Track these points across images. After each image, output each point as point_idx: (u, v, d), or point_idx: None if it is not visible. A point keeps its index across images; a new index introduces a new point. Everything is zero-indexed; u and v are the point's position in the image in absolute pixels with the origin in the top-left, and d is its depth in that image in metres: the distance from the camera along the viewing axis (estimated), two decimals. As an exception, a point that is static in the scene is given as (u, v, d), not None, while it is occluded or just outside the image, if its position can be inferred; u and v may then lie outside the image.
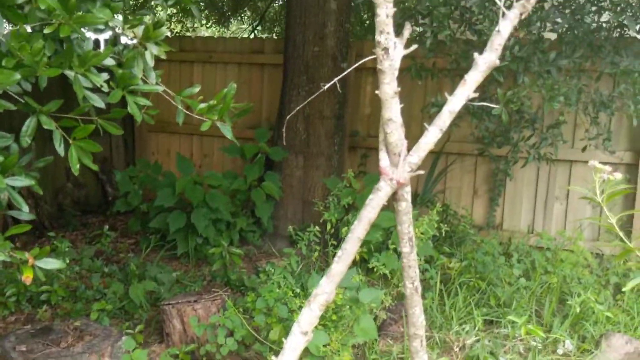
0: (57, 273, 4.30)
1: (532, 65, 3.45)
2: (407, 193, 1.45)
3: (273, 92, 5.83)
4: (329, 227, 3.58)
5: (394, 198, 1.45)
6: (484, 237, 4.81)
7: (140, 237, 5.32)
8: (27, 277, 1.66)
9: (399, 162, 1.39)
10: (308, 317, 1.33)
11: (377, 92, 1.42)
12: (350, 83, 5.48)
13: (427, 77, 4.22)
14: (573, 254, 4.23)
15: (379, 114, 5.27)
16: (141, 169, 5.52)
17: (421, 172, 1.41)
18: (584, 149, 4.33)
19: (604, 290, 4.00)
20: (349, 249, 1.37)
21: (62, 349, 2.97)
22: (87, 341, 3.07)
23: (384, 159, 1.42)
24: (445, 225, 4.12)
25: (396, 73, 1.41)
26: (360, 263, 3.56)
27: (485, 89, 3.94)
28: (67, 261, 4.57)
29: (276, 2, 9.20)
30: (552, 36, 3.84)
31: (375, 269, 3.43)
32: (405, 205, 1.46)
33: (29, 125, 1.74)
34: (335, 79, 1.59)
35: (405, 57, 1.44)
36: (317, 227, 3.59)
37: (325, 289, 1.35)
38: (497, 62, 1.39)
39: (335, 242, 3.81)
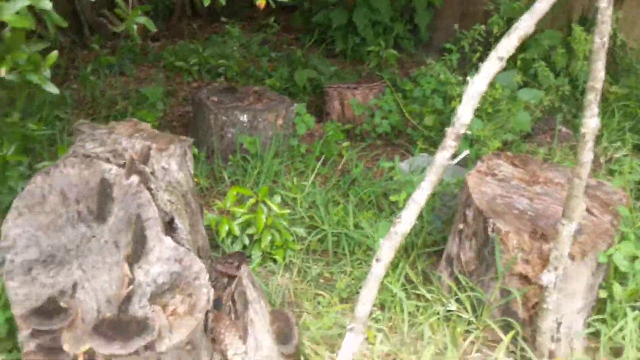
0: (231, 53, 4.76)
1: None
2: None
3: None
4: (495, 29, 3.57)
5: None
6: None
7: (302, 33, 5.63)
8: (260, 2, 1.94)
9: None
10: (507, 45, 1.51)
11: None
12: None
13: None
14: None
15: None
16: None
17: None
18: None
19: None
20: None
21: (245, 105, 3.44)
22: (265, 103, 3.51)
23: None
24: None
25: None
26: (518, 70, 3.60)
27: None
28: (237, 45, 5.02)
29: None
30: None
31: (535, 72, 3.48)
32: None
33: None
34: None
35: None
36: (483, 27, 3.60)
37: (526, 23, 1.50)
38: None
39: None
